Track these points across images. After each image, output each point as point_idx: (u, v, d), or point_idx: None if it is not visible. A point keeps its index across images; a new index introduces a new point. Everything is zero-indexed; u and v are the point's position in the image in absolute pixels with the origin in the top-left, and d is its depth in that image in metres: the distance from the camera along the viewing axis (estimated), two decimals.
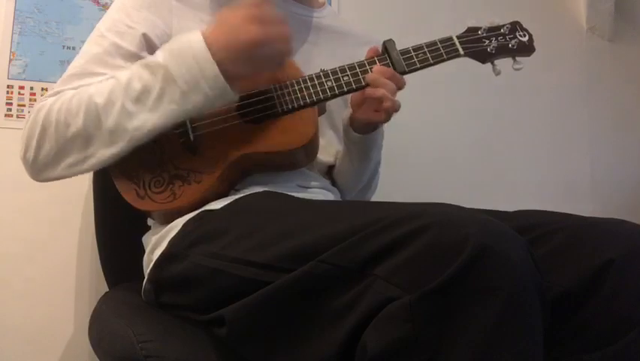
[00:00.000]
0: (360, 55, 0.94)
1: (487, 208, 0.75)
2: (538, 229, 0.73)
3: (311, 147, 0.92)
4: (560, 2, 1.82)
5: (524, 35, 0.97)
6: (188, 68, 0.79)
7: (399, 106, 0.91)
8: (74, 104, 0.82)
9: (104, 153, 0.82)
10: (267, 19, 0.80)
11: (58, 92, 0.86)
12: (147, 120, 0.81)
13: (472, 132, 1.68)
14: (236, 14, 0.81)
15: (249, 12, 0.80)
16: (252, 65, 0.81)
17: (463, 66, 1.00)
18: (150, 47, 0.90)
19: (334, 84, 0.90)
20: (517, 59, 0.97)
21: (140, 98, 0.80)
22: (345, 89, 0.91)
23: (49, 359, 1.27)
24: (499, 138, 1.71)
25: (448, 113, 1.66)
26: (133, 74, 0.82)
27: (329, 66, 0.92)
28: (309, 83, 0.90)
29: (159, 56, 0.82)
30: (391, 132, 1.04)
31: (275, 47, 0.81)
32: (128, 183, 0.86)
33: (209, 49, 0.79)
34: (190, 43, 0.80)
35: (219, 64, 0.79)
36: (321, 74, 0.90)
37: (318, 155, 0.98)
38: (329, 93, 0.90)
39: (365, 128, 0.98)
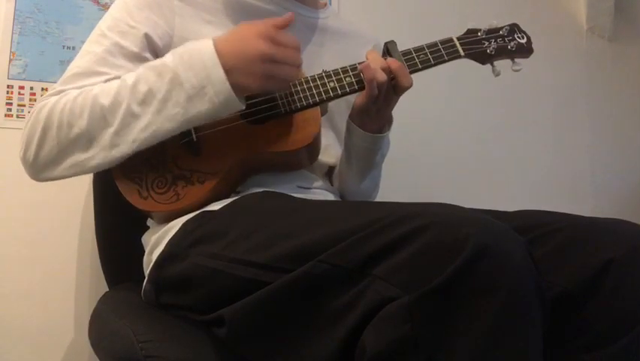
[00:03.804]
0: (365, 54, 0.94)
1: (487, 208, 0.75)
2: (538, 229, 0.73)
3: (314, 147, 0.92)
4: (560, 2, 1.82)
5: (522, 37, 0.98)
6: (196, 73, 0.79)
7: (387, 78, 0.88)
8: (78, 104, 0.82)
9: (106, 154, 0.82)
10: (280, 40, 0.81)
11: (60, 92, 0.85)
12: (151, 123, 0.80)
13: (472, 132, 1.67)
14: (251, 29, 0.81)
15: (263, 29, 0.81)
16: (259, 80, 0.80)
17: (464, 67, 1.00)
18: (152, 47, 0.89)
19: (337, 84, 0.90)
20: (516, 60, 0.98)
21: (145, 100, 0.80)
22: (348, 89, 0.90)
23: (49, 359, 1.27)
24: (499, 137, 1.70)
25: (448, 113, 1.65)
26: (140, 76, 0.81)
27: (334, 67, 0.91)
28: (312, 84, 0.90)
29: (168, 60, 0.81)
30: (392, 132, 1.03)
31: (284, 67, 0.81)
32: (130, 184, 0.86)
33: (219, 57, 0.79)
34: (200, 50, 0.80)
35: (228, 73, 0.79)
36: (324, 74, 0.90)
37: (320, 156, 0.98)
38: (332, 93, 0.90)
39: (366, 122, 0.96)
